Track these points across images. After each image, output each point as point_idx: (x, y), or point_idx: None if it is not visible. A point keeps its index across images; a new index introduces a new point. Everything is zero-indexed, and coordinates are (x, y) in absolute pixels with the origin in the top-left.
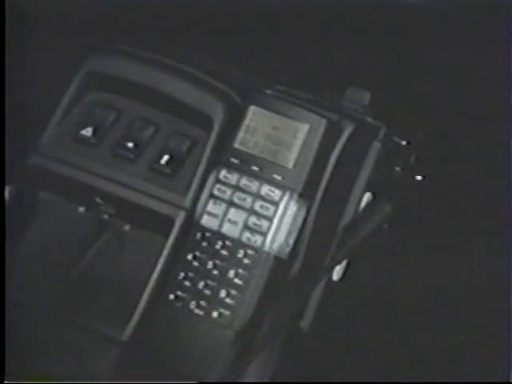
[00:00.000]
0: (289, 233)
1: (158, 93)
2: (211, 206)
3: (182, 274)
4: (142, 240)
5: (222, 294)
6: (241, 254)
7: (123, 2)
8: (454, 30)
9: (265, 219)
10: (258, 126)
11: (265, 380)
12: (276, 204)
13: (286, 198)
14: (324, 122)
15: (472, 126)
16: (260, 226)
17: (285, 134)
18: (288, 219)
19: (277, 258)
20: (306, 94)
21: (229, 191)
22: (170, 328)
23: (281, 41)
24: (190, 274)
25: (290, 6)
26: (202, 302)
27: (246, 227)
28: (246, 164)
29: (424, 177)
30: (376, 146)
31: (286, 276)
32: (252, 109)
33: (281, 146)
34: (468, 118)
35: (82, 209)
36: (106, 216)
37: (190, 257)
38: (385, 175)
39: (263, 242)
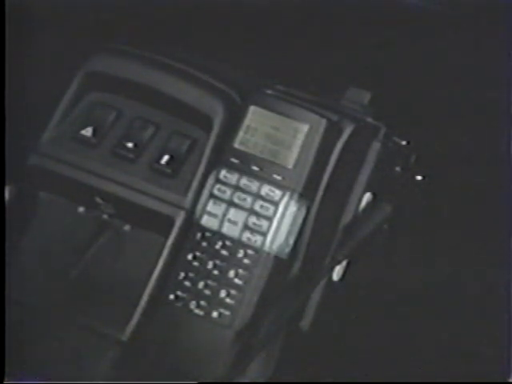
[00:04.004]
0: (289, 233)
1: (158, 93)
2: (211, 206)
3: (182, 274)
4: (142, 240)
5: (222, 294)
6: (241, 253)
7: (123, 2)
8: (454, 29)
9: (265, 219)
10: (257, 126)
11: (265, 380)
12: (276, 204)
13: (286, 198)
14: (324, 122)
15: (472, 126)
16: (260, 225)
17: (285, 134)
18: (288, 219)
19: (277, 258)
20: (306, 94)
21: (229, 191)
22: (170, 328)
23: (281, 41)
24: (190, 274)
25: (290, 6)
26: (202, 302)
27: (246, 227)
28: (245, 164)
29: (424, 177)
30: (376, 145)
31: (286, 276)
32: (252, 109)
33: (281, 146)
34: (468, 118)
35: (81, 209)
36: (105, 216)
37: (190, 257)
38: (385, 175)
39: (263, 242)
